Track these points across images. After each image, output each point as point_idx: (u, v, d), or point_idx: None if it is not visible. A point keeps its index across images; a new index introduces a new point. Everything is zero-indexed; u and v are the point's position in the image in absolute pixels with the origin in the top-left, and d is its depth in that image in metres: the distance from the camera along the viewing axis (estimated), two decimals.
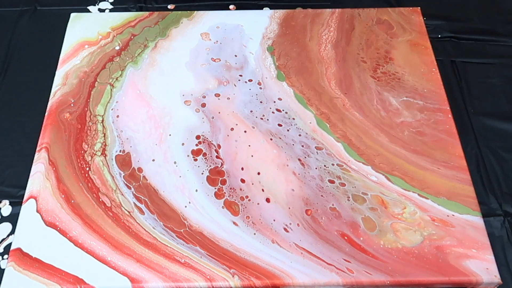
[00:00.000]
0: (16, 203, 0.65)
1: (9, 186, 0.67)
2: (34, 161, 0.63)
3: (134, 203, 0.60)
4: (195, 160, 0.63)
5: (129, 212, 0.59)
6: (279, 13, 0.79)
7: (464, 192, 0.60)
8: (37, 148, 0.64)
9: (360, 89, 0.70)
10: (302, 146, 0.64)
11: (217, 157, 0.64)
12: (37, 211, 0.59)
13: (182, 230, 0.58)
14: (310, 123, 0.67)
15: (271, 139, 0.65)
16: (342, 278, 0.54)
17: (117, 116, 0.68)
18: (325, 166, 0.63)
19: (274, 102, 0.69)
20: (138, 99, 0.69)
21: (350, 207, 0.59)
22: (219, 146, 0.64)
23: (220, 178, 0.62)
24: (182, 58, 0.74)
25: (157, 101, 0.69)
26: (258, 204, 0.60)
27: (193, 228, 0.58)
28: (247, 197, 0.60)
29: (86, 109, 0.68)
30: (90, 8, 0.86)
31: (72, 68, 0.72)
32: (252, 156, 0.64)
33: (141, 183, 0.62)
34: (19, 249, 0.57)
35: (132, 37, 0.76)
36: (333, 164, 0.63)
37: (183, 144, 0.65)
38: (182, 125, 0.67)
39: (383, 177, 0.62)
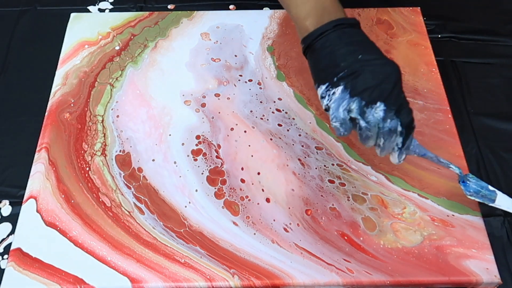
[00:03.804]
0: (16, 203, 0.65)
1: (9, 186, 0.67)
2: (34, 161, 0.63)
3: (134, 203, 0.60)
4: (195, 160, 0.63)
5: (129, 212, 0.59)
6: (279, 13, 0.79)
7: (464, 192, 0.60)
8: (37, 148, 0.64)
9: None
10: (302, 146, 0.64)
11: (217, 157, 0.64)
12: (37, 211, 0.59)
13: (182, 230, 0.58)
14: (310, 123, 0.67)
15: (271, 139, 0.65)
16: (342, 278, 0.54)
17: (117, 116, 0.68)
18: (325, 166, 0.63)
19: (274, 102, 0.69)
20: (138, 99, 0.69)
21: (350, 207, 0.59)
22: (219, 146, 0.64)
23: (220, 178, 0.62)
24: (182, 58, 0.74)
25: (157, 101, 0.69)
26: (258, 204, 0.60)
27: (193, 228, 0.58)
28: (247, 197, 0.60)
29: (86, 109, 0.68)
30: (90, 8, 0.86)
31: (72, 68, 0.72)
32: (252, 156, 0.64)
33: (141, 183, 0.62)
34: (19, 249, 0.57)
35: (132, 37, 0.76)
36: (333, 164, 0.63)
37: (183, 144, 0.65)
38: (182, 125, 0.67)
39: (383, 177, 0.62)
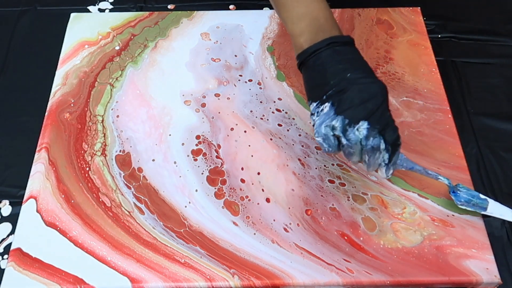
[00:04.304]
0: (16, 203, 0.65)
1: (9, 186, 0.67)
2: (34, 161, 0.63)
3: (134, 203, 0.60)
4: (195, 160, 0.63)
5: (129, 212, 0.59)
6: None
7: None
8: (37, 148, 0.64)
9: None
10: (302, 146, 0.64)
11: (217, 157, 0.64)
12: (37, 211, 0.59)
13: (182, 230, 0.58)
14: (310, 123, 0.67)
15: (271, 139, 0.65)
16: (342, 278, 0.54)
17: (117, 116, 0.68)
18: (325, 166, 0.63)
19: (274, 102, 0.69)
20: (138, 99, 0.69)
21: (350, 207, 0.59)
22: (219, 146, 0.64)
23: (220, 178, 0.62)
24: (182, 58, 0.74)
25: (157, 101, 0.69)
26: (258, 204, 0.60)
27: (193, 228, 0.58)
28: (247, 197, 0.60)
29: (86, 109, 0.68)
30: (90, 8, 0.86)
31: (72, 68, 0.72)
32: (252, 156, 0.64)
33: (141, 183, 0.62)
34: (19, 249, 0.57)
35: (132, 37, 0.76)
36: (333, 164, 0.63)
37: (183, 144, 0.65)
38: (182, 125, 0.67)
39: None
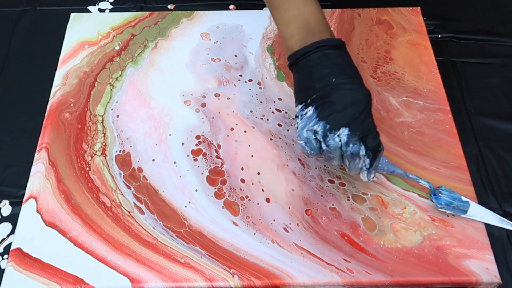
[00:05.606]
0: (16, 203, 0.65)
1: (9, 186, 0.67)
2: (34, 161, 0.63)
3: (134, 203, 0.60)
4: (195, 160, 0.63)
5: (129, 212, 0.59)
6: None
7: (464, 192, 0.60)
8: (37, 148, 0.64)
9: None
10: None
11: (217, 157, 0.64)
12: (37, 211, 0.59)
13: (182, 230, 0.58)
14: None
15: (271, 139, 0.65)
16: (342, 278, 0.54)
17: (117, 116, 0.68)
18: (325, 166, 0.63)
19: (274, 102, 0.69)
20: (138, 99, 0.69)
21: (350, 207, 0.59)
22: (219, 146, 0.64)
23: (220, 178, 0.62)
24: (182, 58, 0.74)
25: (157, 101, 0.69)
26: (258, 204, 0.60)
27: (193, 228, 0.58)
28: (247, 197, 0.60)
29: (86, 109, 0.68)
30: (90, 8, 0.86)
31: (72, 68, 0.72)
32: (252, 156, 0.64)
33: (141, 183, 0.62)
34: (19, 249, 0.57)
35: (132, 37, 0.76)
36: (333, 164, 0.63)
37: (183, 144, 0.65)
38: (182, 125, 0.67)
39: (383, 177, 0.62)
